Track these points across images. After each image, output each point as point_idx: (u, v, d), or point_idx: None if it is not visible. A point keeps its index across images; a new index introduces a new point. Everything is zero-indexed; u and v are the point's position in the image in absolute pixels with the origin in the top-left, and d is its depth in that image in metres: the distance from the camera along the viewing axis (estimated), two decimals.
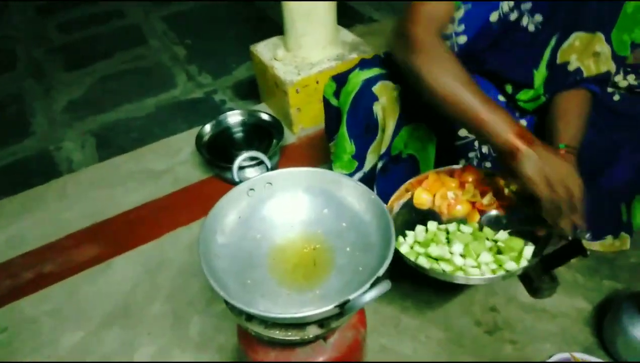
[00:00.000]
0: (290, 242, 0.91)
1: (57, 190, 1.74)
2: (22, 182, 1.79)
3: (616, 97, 1.14)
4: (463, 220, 1.04)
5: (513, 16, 1.03)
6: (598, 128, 1.08)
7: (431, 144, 1.12)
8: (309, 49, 1.80)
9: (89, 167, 1.85)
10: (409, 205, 1.08)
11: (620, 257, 1.31)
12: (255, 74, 2.05)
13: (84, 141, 2.05)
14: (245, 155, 0.98)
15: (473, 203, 1.05)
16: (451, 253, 0.96)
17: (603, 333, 1.14)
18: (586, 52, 1.03)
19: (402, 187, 1.07)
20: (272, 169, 0.96)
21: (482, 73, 1.14)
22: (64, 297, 1.37)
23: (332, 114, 1.22)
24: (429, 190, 1.07)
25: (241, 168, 1.57)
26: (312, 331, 0.78)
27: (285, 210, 0.94)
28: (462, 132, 1.15)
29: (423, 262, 0.95)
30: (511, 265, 0.93)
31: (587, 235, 0.95)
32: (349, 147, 1.16)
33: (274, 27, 2.00)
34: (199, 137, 1.74)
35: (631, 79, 1.15)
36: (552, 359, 1.10)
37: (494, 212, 1.04)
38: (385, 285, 0.71)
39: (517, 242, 0.97)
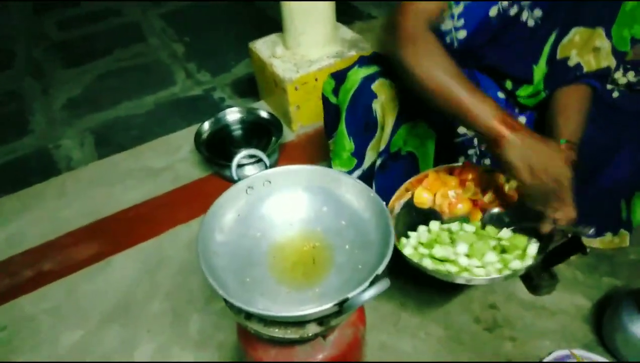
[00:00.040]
0: (289, 240, 0.91)
1: (56, 188, 1.74)
2: (21, 180, 1.79)
3: (615, 94, 1.14)
4: (464, 219, 1.04)
5: (512, 11, 1.03)
6: (597, 125, 1.08)
7: (430, 141, 1.12)
8: (308, 47, 1.79)
9: (88, 165, 1.85)
10: (409, 204, 1.07)
11: (619, 254, 1.31)
12: (254, 71, 2.05)
13: (83, 139, 2.05)
14: (243, 153, 0.98)
15: (474, 202, 1.05)
16: (456, 254, 0.96)
17: (602, 330, 1.14)
18: (586, 48, 1.03)
19: (402, 187, 1.06)
20: (271, 166, 0.96)
21: (481, 69, 1.14)
22: (64, 295, 1.37)
23: (331, 112, 1.22)
24: (429, 189, 1.07)
25: (240, 166, 1.57)
26: (312, 329, 0.78)
27: (284, 208, 0.94)
28: (461, 129, 1.15)
29: (428, 263, 0.94)
30: (516, 264, 0.92)
31: (591, 231, 0.94)
32: (348, 144, 1.15)
33: (273, 24, 2.00)
34: (198, 134, 1.74)
35: (631, 76, 1.14)
36: (552, 356, 1.10)
37: (495, 210, 1.04)
38: (384, 284, 0.71)
39: (521, 239, 0.96)
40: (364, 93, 1.09)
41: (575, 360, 1.08)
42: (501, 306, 1.24)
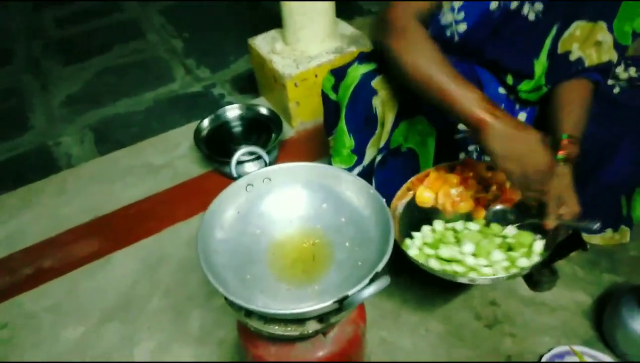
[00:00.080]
0: (289, 237, 0.91)
1: (56, 186, 1.74)
2: (21, 178, 1.79)
3: (616, 90, 1.13)
4: (468, 217, 1.03)
5: (513, 5, 1.02)
6: (598, 120, 1.07)
7: (431, 138, 1.12)
8: (308, 42, 1.79)
9: (88, 162, 1.85)
10: (411, 204, 1.06)
11: (620, 250, 1.31)
12: (253, 67, 2.04)
13: (82, 136, 2.05)
14: (243, 150, 0.98)
15: (477, 199, 1.04)
16: (462, 253, 0.95)
17: (603, 327, 1.14)
18: (588, 42, 1.02)
19: (404, 187, 1.06)
20: (271, 163, 0.96)
21: (482, 63, 1.13)
22: (64, 293, 1.37)
23: (330, 108, 1.21)
24: (431, 188, 1.06)
25: (240, 162, 1.56)
26: (312, 326, 0.78)
27: (284, 205, 0.93)
28: (462, 126, 1.15)
29: (434, 264, 0.93)
30: (523, 262, 0.92)
31: (597, 225, 0.94)
32: (348, 141, 1.15)
33: (273, 19, 1.99)
34: (198, 131, 1.74)
35: (632, 71, 1.14)
36: (552, 352, 1.10)
37: (499, 207, 1.03)
38: (384, 281, 0.71)
39: (527, 236, 0.96)
40: (364, 89, 1.08)
41: (575, 357, 1.08)
42: (501, 302, 1.24)
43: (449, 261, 0.95)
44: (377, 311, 1.23)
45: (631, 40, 1.04)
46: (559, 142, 0.97)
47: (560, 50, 1.05)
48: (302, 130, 1.88)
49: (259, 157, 1.58)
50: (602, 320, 1.15)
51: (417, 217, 1.04)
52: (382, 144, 1.11)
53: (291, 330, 0.78)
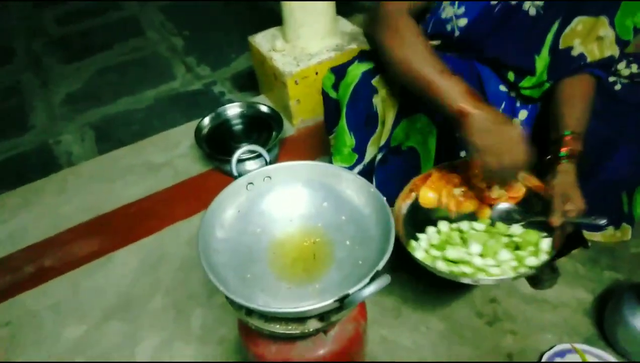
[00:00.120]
0: (289, 236, 0.90)
1: (57, 184, 1.74)
2: (22, 176, 1.80)
3: (618, 87, 1.13)
4: (472, 216, 1.03)
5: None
6: (599, 117, 1.07)
7: (431, 136, 1.11)
8: (308, 40, 1.78)
9: (89, 161, 1.85)
10: (414, 205, 1.05)
11: (621, 247, 1.31)
12: (253, 65, 2.04)
13: (83, 134, 2.05)
14: (243, 149, 0.98)
15: (481, 198, 1.03)
16: (469, 254, 0.94)
17: (604, 324, 1.14)
18: (590, 37, 1.02)
19: (406, 188, 1.05)
20: (272, 161, 0.96)
21: (483, 60, 1.13)
22: (65, 291, 1.37)
23: (331, 107, 1.21)
24: (434, 188, 1.05)
25: (240, 161, 1.56)
26: (312, 325, 0.78)
27: (284, 204, 0.93)
28: None
29: (441, 266, 0.93)
30: (532, 261, 0.91)
31: (604, 221, 0.94)
32: (349, 140, 1.15)
33: (273, 17, 1.98)
34: (198, 129, 1.74)
35: (634, 68, 1.13)
36: (553, 350, 1.10)
37: (503, 205, 1.02)
38: (384, 279, 0.71)
39: (533, 235, 0.95)
40: (365, 88, 1.08)
41: (576, 354, 1.08)
42: (502, 300, 1.24)
43: (455, 262, 0.94)
44: (377, 309, 1.23)
45: (633, 35, 1.04)
46: (562, 139, 0.97)
47: (561, 45, 1.04)
48: (303, 128, 1.87)
49: (259, 155, 1.58)
50: (603, 317, 1.15)
51: (421, 218, 1.04)
52: (382, 142, 1.11)
53: (292, 329, 0.78)
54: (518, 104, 1.16)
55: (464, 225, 1.01)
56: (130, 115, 2.14)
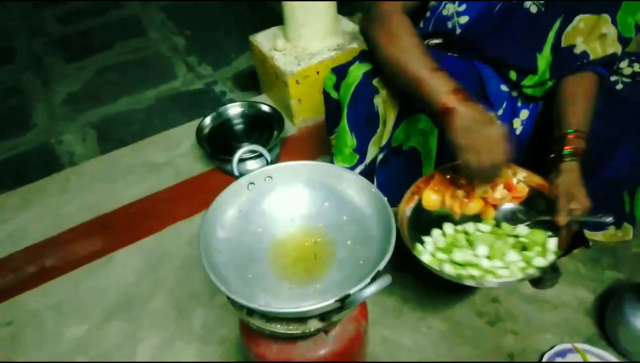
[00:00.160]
0: (290, 236, 0.90)
1: (59, 184, 1.74)
2: (23, 176, 1.80)
3: (619, 86, 1.13)
4: (477, 218, 1.02)
5: None
6: (600, 116, 1.07)
7: (432, 136, 1.11)
8: (309, 39, 1.78)
9: (90, 160, 1.85)
10: (418, 208, 1.05)
11: (622, 247, 1.31)
12: (255, 64, 2.04)
13: (84, 134, 2.05)
14: (244, 149, 0.98)
15: (485, 199, 1.03)
16: (477, 256, 0.94)
17: (605, 324, 1.14)
18: (592, 35, 1.02)
19: (409, 191, 1.05)
20: (273, 160, 0.96)
21: (484, 60, 1.13)
22: (67, 291, 1.37)
23: (332, 107, 1.21)
24: (437, 190, 1.05)
25: (242, 160, 1.56)
26: (313, 325, 0.78)
27: (285, 204, 0.93)
28: None
29: (449, 269, 0.93)
30: (540, 261, 0.91)
31: (610, 219, 0.94)
32: (350, 140, 1.15)
33: (274, 16, 1.98)
34: (200, 129, 1.74)
35: (637, 67, 1.13)
36: (554, 350, 1.10)
37: (508, 205, 1.02)
38: (385, 280, 0.71)
39: (540, 234, 0.95)
40: (366, 88, 1.08)
41: (577, 354, 1.08)
42: (503, 300, 1.24)
43: (462, 265, 0.94)
44: (378, 309, 1.23)
45: (634, 32, 1.04)
46: (565, 137, 0.97)
47: (564, 43, 1.04)
48: (304, 127, 1.87)
49: (260, 155, 1.58)
50: (605, 317, 1.15)
51: (425, 221, 1.03)
52: (383, 142, 1.11)
53: (293, 329, 0.78)
54: (519, 104, 1.16)
55: (470, 226, 1.00)
56: (132, 115, 2.14)
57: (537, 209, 0.99)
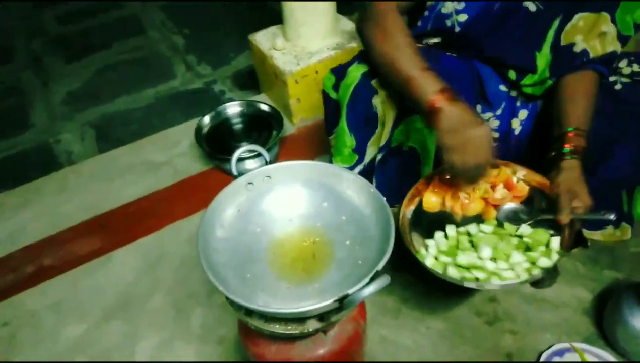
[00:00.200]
0: (289, 236, 0.90)
1: (57, 183, 1.74)
2: (22, 175, 1.79)
3: (618, 86, 1.13)
4: (478, 218, 1.02)
5: None
6: (600, 116, 1.07)
7: (431, 137, 1.11)
8: (308, 38, 1.78)
9: (89, 160, 1.85)
10: (418, 210, 1.05)
11: (620, 246, 1.31)
12: (254, 64, 2.04)
13: (83, 133, 2.05)
14: (243, 148, 0.98)
15: (486, 199, 1.03)
16: (481, 258, 0.94)
17: (603, 323, 1.14)
18: (592, 33, 1.02)
19: (409, 193, 1.04)
20: (272, 160, 0.96)
21: (483, 59, 1.13)
22: (65, 291, 1.37)
23: (331, 108, 1.21)
24: (437, 192, 1.05)
25: (240, 159, 1.56)
26: (312, 325, 0.78)
27: (284, 204, 0.93)
28: None
29: (453, 273, 0.92)
30: (544, 261, 0.91)
31: (612, 216, 0.94)
32: (349, 140, 1.15)
33: (273, 15, 1.98)
34: (198, 128, 1.74)
35: (636, 67, 1.13)
36: (552, 349, 1.10)
37: (509, 205, 1.02)
38: (384, 280, 0.71)
39: (543, 234, 0.95)
40: (365, 89, 1.08)
41: (575, 354, 1.08)
42: (502, 299, 1.24)
43: (467, 268, 0.94)
44: (377, 309, 1.23)
45: (634, 31, 1.04)
46: (565, 135, 0.97)
47: (563, 42, 1.04)
48: (303, 126, 1.87)
49: (259, 154, 1.58)
50: (603, 316, 1.15)
51: (427, 223, 1.03)
52: (382, 143, 1.11)
53: (292, 329, 0.78)
54: (518, 104, 1.16)
55: (472, 228, 1.00)
56: (131, 114, 2.14)
57: (537, 208, 0.99)
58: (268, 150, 1.58)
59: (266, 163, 0.95)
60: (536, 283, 1.25)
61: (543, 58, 1.06)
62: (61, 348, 1.24)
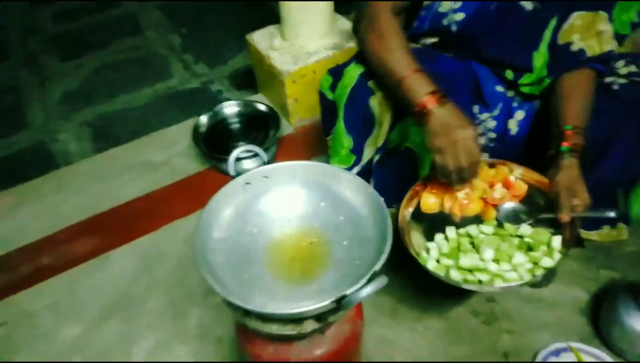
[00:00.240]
0: (287, 236, 0.90)
1: (54, 183, 1.73)
2: (19, 175, 1.78)
3: (615, 86, 1.13)
4: (477, 219, 1.02)
5: None
6: (597, 116, 1.07)
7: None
8: (306, 38, 1.78)
9: (86, 159, 1.84)
10: (417, 212, 1.05)
11: (617, 246, 1.31)
12: (251, 63, 2.04)
13: (80, 133, 2.04)
14: (241, 148, 0.98)
15: (485, 200, 1.03)
16: (483, 260, 0.94)
17: (599, 323, 1.15)
18: (589, 32, 1.03)
19: (407, 195, 1.05)
20: (269, 160, 0.96)
21: (480, 60, 1.13)
22: (62, 291, 1.37)
23: (328, 108, 1.21)
24: (435, 193, 1.05)
25: (238, 159, 1.56)
26: (310, 325, 0.78)
27: (281, 204, 0.93)
28: None
29: (455, 275, 0.92)
30: (547, 261, 0.91)
31: (613, 214, 0.94)
32: (347, 141, 1.15)
33: (271, 15, 1.98)
34: (196, 128, 1.73)
35: (633, 68, 1.14)
36: (548, 349, 1.10)
37: (508, 205, 1.02)
38: (382, 280, 0.71)
39: (544, 233, 0.95)
40: (361, 89, 1.09)
41: (572, 353, 1.09)
42: (499, 299, 1.24)
43: (470, 270, 0.93)
44: (374, 308, 1.23)
45: (630, 30, 1.05)
46: (563, 133, 0.97)
47: (560, 41, 1.04)
48: (300, 126, 1.87)
49: (257, 154, 1.58)
50: (599, 316, 1.15)
51: (426, 224, 1.03)
52: (380, 143, 1.11)
53: (289, 329, 0.78)
54: (515, 104, 1.16)
55: (473, 229, 1.00)
56: (128, 114, 2.13)
57: (536, 207, 0.99)
58: (265, 150, 1.58)
59: (264, 163, 0.95)
60: (533, 282, 1.25)
61: (540, 57, 1.07)
62: (58, 348, 1.24)
